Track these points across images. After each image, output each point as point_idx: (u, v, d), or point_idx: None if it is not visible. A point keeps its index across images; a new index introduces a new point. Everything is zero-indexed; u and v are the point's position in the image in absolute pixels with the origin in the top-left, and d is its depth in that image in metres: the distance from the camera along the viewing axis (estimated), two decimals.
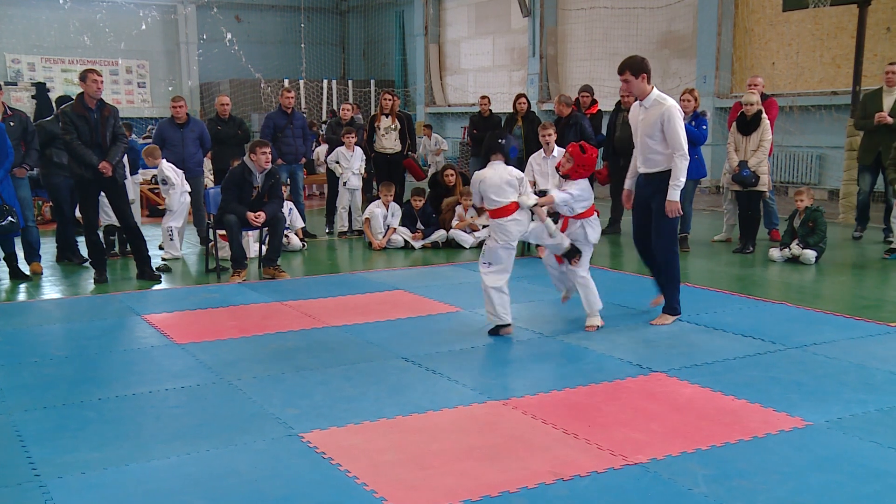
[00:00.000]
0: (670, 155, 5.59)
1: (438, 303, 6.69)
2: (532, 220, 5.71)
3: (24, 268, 7.92)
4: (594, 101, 10.82)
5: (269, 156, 7.83)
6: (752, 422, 4.02)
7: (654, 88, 5.69)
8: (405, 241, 9.60)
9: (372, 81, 23.50)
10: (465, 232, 9.59)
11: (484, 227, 9.29)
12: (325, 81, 22.66)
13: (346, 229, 10.52)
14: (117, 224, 8.32)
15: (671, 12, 16.04)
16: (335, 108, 20.26)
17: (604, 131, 10.52)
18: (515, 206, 5.55)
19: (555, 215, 5.93)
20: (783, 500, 3.21)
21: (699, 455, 3.63)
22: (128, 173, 8.02)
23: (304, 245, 9.63)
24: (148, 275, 7.70)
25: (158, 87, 23.79)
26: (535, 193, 5.80)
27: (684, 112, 8.05)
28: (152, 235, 9.08)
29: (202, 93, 23.94)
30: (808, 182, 13.34)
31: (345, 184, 10.36)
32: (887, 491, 3.29)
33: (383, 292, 7.13)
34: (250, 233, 8.49)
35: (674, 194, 5.60)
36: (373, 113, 12.30)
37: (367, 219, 9.71)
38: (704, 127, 8.92)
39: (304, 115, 11.34)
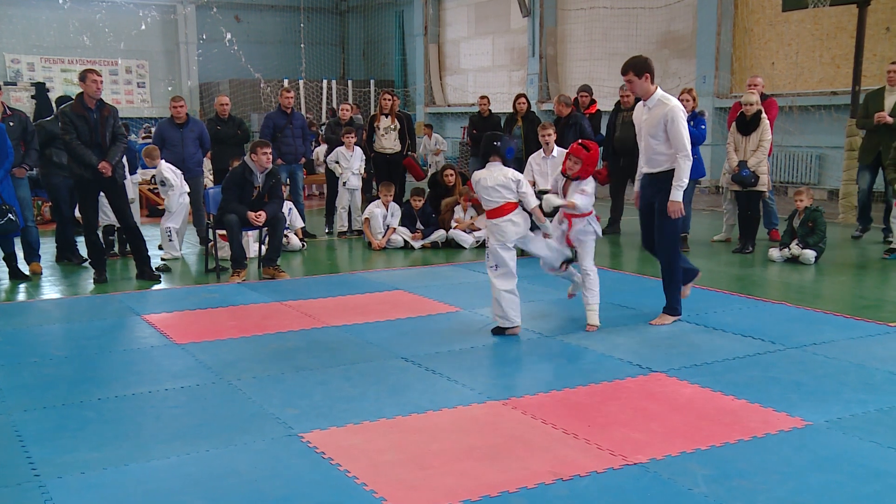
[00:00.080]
0: (673, 155, 5.59)
1: (438, 303, 6.69)
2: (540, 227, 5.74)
3: (24, 268, 7.91)
4: (593, 101, 10.83)
5: (270, 156, 7.84)
6: (752, 422, 4.02)
7: (658, 88, 5.69)
8: (405, 241, 9.60)
9: (371, 81, 23.49)
10: (465, 232, 9.60)
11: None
12: (325, 81, 22.65)
13: (345, 229, 10.51)
14: (116, 224, 8.33)
15: (671, 12, 16.04)
16: (335, 107, 20.24)
17: (603, 131, 10.53)
18: (511, 207, 5.55)
19: (551, 215, 5.96)
20: (783, 500, 3.21)
21: (699, 455, 3.63)
22: (127, 173, 8.02)
23: (303, 245, 9.63)
24: (147, 275, 7.70)
25: (158, 87, 23.79)
26: (536, 193, 5.81)
27: None
28: (152, 235, 9.08)
29: (202, 93, 23.94)
30: (808, 182, 13.34)
31: (344, 184, 10.36)
32: (887, 491, 3.29)
33: (383, 292, 7.13)
34: (250, 233, 8.49)
35: (677, 194, 5.60)
36: (372, 113, 12.30)
37: (366, 219, 9.71)
38: (703, 127, 8.92)
39: (305, 116, 11.34)
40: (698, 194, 12.12)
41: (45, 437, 3.88)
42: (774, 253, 8.34)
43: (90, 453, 3.68)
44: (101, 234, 8.27)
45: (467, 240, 9.52)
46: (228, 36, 23.47)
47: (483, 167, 5.70)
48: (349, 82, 23.38)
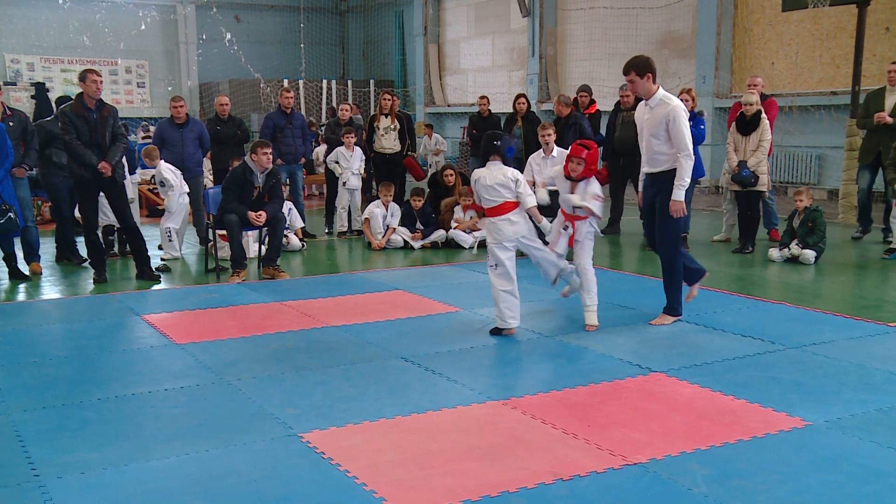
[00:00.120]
0: (674, 155, 5.60)
1: (438, 303, 6.69)
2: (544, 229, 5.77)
3: (24, 268, 7.91)
4: (592, 101, 10.83)
5: (271, 156, 7.84)
6: (752, 422, 4.02)
7: (660, 88, 5.69)
8: (404, 241, 9.60)
9: (371, 81, 23.49)
10: (465, 232, 9.60)
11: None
12: (325, 81, 22.66)
13: (345, 229, 10.51)
14: (116, 224, 8.33)
15: (670, 12, 16.04)
16: (335, 106, 20.24)
17: (602, 131, 10.53)
18: (510, 206, 5.56)
19: (550, 214, 5.98)
20: (783, 500, 3.21)
21: (699, 455, 3.63)
22: (126, 173, 8.02)
23: (303, 245, 9.63)
24: (147, 275, 7.70)
25: (158, 87, 23.79)
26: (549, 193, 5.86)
27: None
28: (151, 236, 9.07)
29: (201, 93, 23.94)
30: (808, 182, 13.34)
31: (344, 184, 10.35)
32: (887, 491, 3.29)
33: (383, 292, 7.13)
34: (250, 233, 8.49)
35: (678, 194, 5.60)
36: (372, 113, 12.30)
37: (366, 219, 9.71)
38: (702, 126, 8.92)
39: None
40: (698, 194, 12.13)
41: (45, 438, 3.88)
42: (774, 253, 8.34)
43: (90, 453, 3.68)
44: (100, 235, 8.27)
45: (467, 240, 9.52)
46: (228, 36, 23.47)
47: (483, 166, 5.71)
48: (349, 82, 23.38)
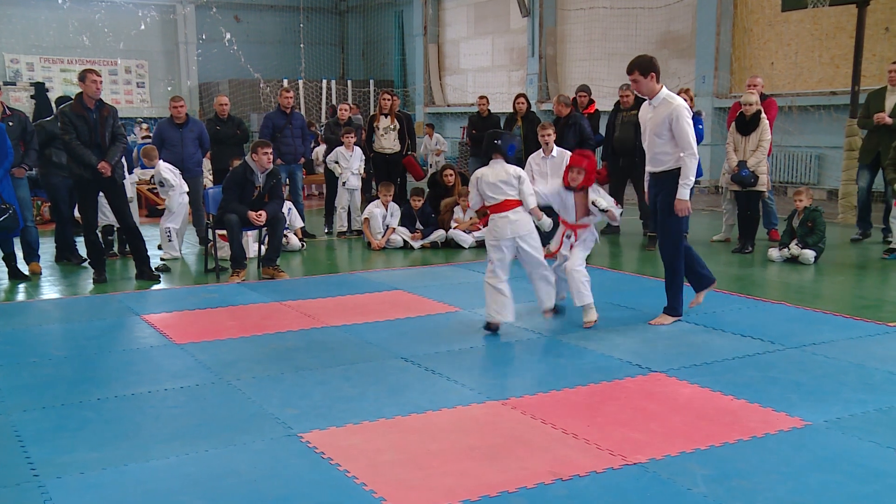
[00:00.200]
0: (677, 154, 5.60)
1: (437, 303, 6.69)
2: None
3: (23, 268, 7.91)
4: (591, 101, 10.83)
5: (271, 156, 7.84)
6: (752, 422, 4.02)
7: (664, 87, 5.70)
8: (404, 241, 9.60)
9: (371, 81, 23.49)
10: (465, 232, 9.60)
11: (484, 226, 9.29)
12: (325, 81, 22.65)
13: (345, 229, 10.51)
14: (116, 224, 8.32)
15: (670, 12, 16.04)
16: (335, 104, 20.23)
17: (602, 131, 10.53)
18: (512, 204, 5.57)
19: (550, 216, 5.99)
20: (782, 499, 3.21)
21: (698, 455, 3.63)
22: (126, 173, 8.02)
23: (303, 245, 9.63)
24: (147, 275, 7.70)
25: (157, 87, 23.78)
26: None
27: None
28: (151, 236, 9.07)
29: (201, 93, 23.93)
30: (807, 182, 13.34)
31: (344, 184, 10.35)
32: (886, 491, 3.29)
33: (382, 292, 7.13)
34: (249, 233, 8.49)
35: (683, 193, 5.62)
36: (372, 113, 12.29)
37: (366, 219, 9.71)
38: (700, 126, 8.93)
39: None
40: (697, 194, 12.13)
41: (45, 438, 3.88)
42: (774, 253, 8.34)
43: (89, 453, 3.68)
44: (100, 234, 8.27)
45: (467, 240, 9.52)
46: (228, 36, 23.46)
47: (485, 165, 5.72)
48: (349, 82, 23.38)
